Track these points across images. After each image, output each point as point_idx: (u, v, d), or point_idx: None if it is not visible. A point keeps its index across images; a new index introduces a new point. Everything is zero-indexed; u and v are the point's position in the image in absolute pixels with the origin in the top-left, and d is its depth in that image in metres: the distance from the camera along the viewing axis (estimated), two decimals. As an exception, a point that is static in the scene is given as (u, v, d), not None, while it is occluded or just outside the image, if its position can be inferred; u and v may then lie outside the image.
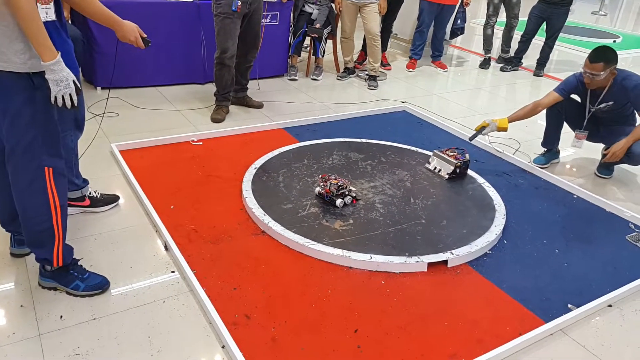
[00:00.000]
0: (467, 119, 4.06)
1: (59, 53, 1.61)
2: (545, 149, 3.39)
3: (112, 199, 2.52)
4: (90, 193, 2.46)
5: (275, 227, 2.34)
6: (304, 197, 2.64)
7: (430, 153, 3.12)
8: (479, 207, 2.68)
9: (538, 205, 2.81)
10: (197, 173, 2.89)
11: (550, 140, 3.37)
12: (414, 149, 3.33)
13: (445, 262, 2.22)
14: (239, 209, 2.57)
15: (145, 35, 2.10)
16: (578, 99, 3.21)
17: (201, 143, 3.26)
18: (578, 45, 6.87)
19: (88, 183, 2.44)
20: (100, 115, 3.40)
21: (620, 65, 3.00)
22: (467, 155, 2.98)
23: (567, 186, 3.01)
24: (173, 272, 2.09)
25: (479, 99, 4.68)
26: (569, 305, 2.02)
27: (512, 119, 3.18)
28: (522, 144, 3.56)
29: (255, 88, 4.21)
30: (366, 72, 4.77)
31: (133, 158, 2.96)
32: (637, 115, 3.03)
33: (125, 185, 2.72)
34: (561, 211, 2.78)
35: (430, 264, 2.20)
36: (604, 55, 2.89)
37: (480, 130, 3.17)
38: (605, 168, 3.22)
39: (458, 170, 2.94)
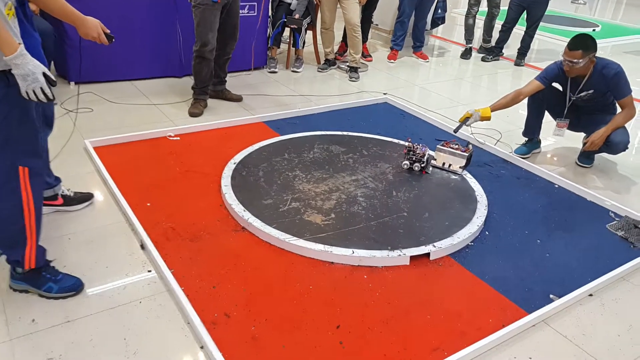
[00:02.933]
0: (449, 110, 4.04)
1: (21, 45, 1.53)
2: (527, 139, 3.40)
3: (86, 197, 2.44)
4: (63, 191, 2.38)
5: (256, 223, 2.29)
6: (284, 191, 2.60)
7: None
8: (461, 199, 2.67)
9: (519, 196, 2.82)
10: (174, 169, 2.82)
11: (531, 129, 3.37)
12: (395, 140, 3.30)
13: (427, 255, 2.20)
14: (218, 205, 2.51)
15: (108, 31, 2.03)
16: (560, 87, 3.21)
17: (178, 138, 3.19)
18: (558, 35, 6.90)
19: (60, 181, 2.36)
20: (73, 111, 3.30)
21: (600, 53, 3.01)
22: (470, 146, 2.97)
23: (548, 176, 3.02)
24: (150, 271, 2.03)
25: (460, 90, 4.68)
26: (551, 296, 2.02)
27: (494, 108, 3.17)
28: (503, 134, 3.56)
29: (247, 74, 4.15)
30: (347, 64, 4.73)
31: (107, 154, 2.87)
32: (617, 104, 3.05)
33: (99, 182, 2.64)
34: (543, 201, 2.78)
35: (412, 257, 2.18)
36: (583, 43, 2.89)
37: (464, 121, 3.15)
38: (586, 157, 3.24)
39: (468, 162, 2.93)
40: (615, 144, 3.02)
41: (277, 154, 3.01)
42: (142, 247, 2.17)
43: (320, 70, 4.76)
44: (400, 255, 2.16)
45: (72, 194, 2.41)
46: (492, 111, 3.15)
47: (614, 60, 2.99)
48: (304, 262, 2.13)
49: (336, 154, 3.07)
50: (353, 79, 4.57)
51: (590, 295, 2.07)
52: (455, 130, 3.23)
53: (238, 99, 3.89)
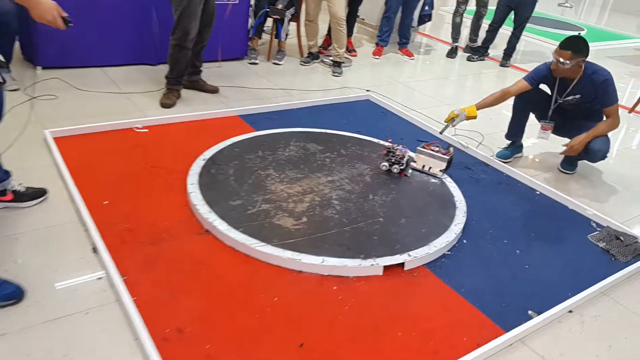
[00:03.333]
0: (432, 109, 3.93)
1: None
2: (509, 142, 3.30)
3: (39, 193, 2.26)
4: (13, 187, 2.19)
5: (221, 226, 2.15)
6: (255, 192, 2.45)
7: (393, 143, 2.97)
8: (439, 204, 2.56)
9: (500, 202, 2.72)
10: (139, 164, 2.65)
11: (515, 132, 3.27)
12: (375, 140, 3.17)
13: (402, 264, 2.08)
14: (182, 205, 2.35)
15: (65, 15, 1.85)
16: (547, 90, 3.12)
17: (147, 130, 3.01)
18: (544, 36, 6.84)
19: (10, 175, 2.18)
20: (36, 98, 3.10)
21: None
22: (451, 149, 2.85)
23: (529, 182, 2.92)
24: (100, 278, 1.88)
25: (444, 89, 4.57)
26: (529, 312, 1.92)
27: (480, 107, 3.07)
28: (485, 136, 3.45)
29: (216, 66, 3.98)
30: (331, 58, 4.58)
31: (68, 147, 2.68)
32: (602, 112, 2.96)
33: (56, 177, 2.46)
34: (523, 208, 2.69)
35: (386, 267, 2.06)
36: (574, 45, 2.80)
37: (450, 121, 3.04)
38: (569, 164, 3.15)
39: (449, 165, 2.83)
40: (594, 152, 2.94)
41: (250, 150, 2.86)
42: (94, 250, 2.00)
43: (302, 63, 4.60)
44: (373, 264, 2.04)
45: (23, 189, 2.22)
46: (477, 109, 3.04)
47: (604, 67, 2.90)
48: (270, 270, 1.99)
49: (313, 152, 2.93)
50: (336, 74, 4.43)
51: (570, 311, 1.98)
52: (441, 132, 3.12)
53: (214, 90, 3.72)
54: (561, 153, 3.03)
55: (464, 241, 2.33)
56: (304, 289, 1.92)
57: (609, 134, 2.96)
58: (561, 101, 3.02)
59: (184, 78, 3.50)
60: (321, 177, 2.67)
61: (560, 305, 1.95)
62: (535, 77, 3.03)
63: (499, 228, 2.47)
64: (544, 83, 3.07)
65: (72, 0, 3.54)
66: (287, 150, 2.91)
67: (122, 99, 3.41)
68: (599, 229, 2.54)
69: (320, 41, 4.85)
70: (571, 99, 2.97)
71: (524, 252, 2.30)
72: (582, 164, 3.20)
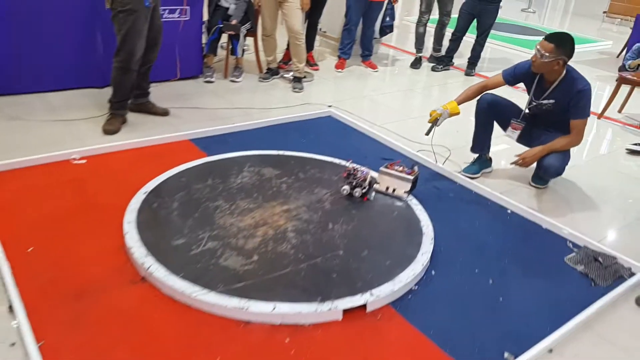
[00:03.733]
0: (397, 123, 3.76)
1: None
2: (476, 156, 3.13)
3: (-53, 244, 1.98)
4: None
5: (158, 273, 1.89)
6: (201, 227, 2.21)
7: (353, 165, 2.77)
8: (404, 230, 2.36)
9: (469, 224, 2.53)
10: (72, 201, 2.38)
11: (479, 144, 3.10)
12: (337, 161, 2.97)
13: (364, 306, 1.87)
14: (117, 248, 2.09)
15: None
16: (518, 95, 2.95)
17: (85, 161, 2.74)
18: (509, 43, 6.80)
19: None
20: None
21: None
22: (415, 168, 2.67)
23: (499, 199, 2.75)
24: (13, 344, 1.61)
25: (410, 101, 4.41)
26: (506, 355, 1.73)
27: (460, 101, 2.91)
28: (452, 151, 3.28)
29: (166, 86, 3.73)
30: (291, 73, 4.38)
31: (-9, 185, 2.41)
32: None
33: (-27, 221, 2.18)
34: (495, 230, 2.51)
35: (346, 311, 1.84)
36: (560, 40, 2.64)
37: (435, 122, 2.87)
38: (540, 177, 2.99)
39: (414, 185, 2.64)
40: (545, 167, 2.78)
41: (199, 179, 2.61)
42: (10, 309, 1.73)
43: (261, 80, 4.39)
44: (331, 309, 1.82)
45: None
46: (458, 104, 2.89)
47: (586, 79, 2.75)
48: (213, 323, 1.75)
49: (268, 178, 2.70)
50: (297, 90, 4.22)
51: (550, 351, 1.79)
52: (427, 134, 2.94)
53: (164, 112, 3.46)
54: (511, 164, 2.86)
55: (432, 272, 2.13)
56: (251, 343, 1.68)
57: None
58: (535, 103, 2.86)
59: (129, 102, 3.25)
60: (276, 206, 2.45)
61: (538, 344, 1.76)
62: (514, 74, 2.88)
63: (469, 255, 2.28)
64: (522, 81, 2.91)
65: (6, 23, 3.30)
66: (240, 177, 2.67)
67: (61, 127, 3.13)
68: (575, 250, 2.38)
69: (279, 56, 4.65)
70: (545, 103, 2.81)
71: (497, 282, 2.11)
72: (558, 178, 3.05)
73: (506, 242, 2.42)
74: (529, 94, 2.92)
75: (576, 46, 2.73)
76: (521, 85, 2.99)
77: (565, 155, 2.81)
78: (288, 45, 4.78)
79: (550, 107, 2.80)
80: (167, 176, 2.60)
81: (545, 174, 2.86)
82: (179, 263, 1.97)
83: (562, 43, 2.64)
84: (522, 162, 2.78)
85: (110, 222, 2.24)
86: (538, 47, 2.67)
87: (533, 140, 2.90)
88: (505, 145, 3.40)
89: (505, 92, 3.14)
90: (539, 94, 2.84)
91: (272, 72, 4.45)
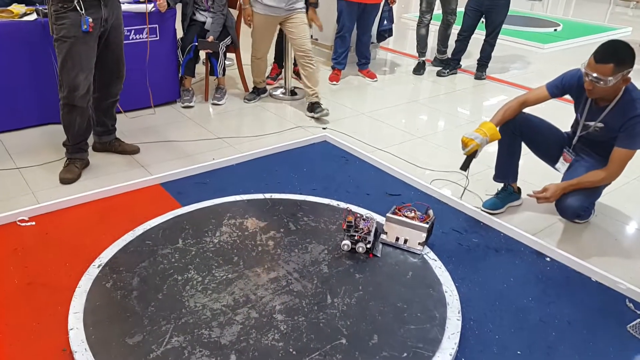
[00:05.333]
0: (402, 146, 3.28)
1: None
2: (501, 186, 2.64)
3: None
4: None
5: (102, 397, 1.44)
6: (166, 315, 1.74)
7: (356, 208, 2.29)
8: (422, 301, 1.87)
9: (502, 282, 2.04)
10: (10, 281, 1.92)
11: (504, 171, 2.59)
12: (334, 203, 2.49)
13: None
14: (61, 348, 1.64)
15: None
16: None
17: (34, 223, 2.29)
18: (519, 37, 6.27)
19: None
20: None
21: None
22: (430, 212, 2.19)
23: (534, 243, 2.25)
24: None
25: (415, 116, 3.91)
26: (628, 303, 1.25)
27: (498, 123, 2.37)
28: (470, 179, 2.79)
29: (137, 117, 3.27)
30: (308, 102, 3.73)
31: None
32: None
33: None
34: (533, 289, 2.01)
35: None
36: (616, 55, 2.06)
37: (474, 154, 2.32)
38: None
39: (429, 234, 2.17)
40: (564, 208, 2.27)
41: (167, 241, 2.15)
42: None
43: (247, 100, 3.92)
44: None
45: None
46: (496, 126, 2.36)
47: None
48: None
49: (252, 233, 2.23)
50: (324, 116, 3.56)
51: None
52: (464, 169, 2.39)
53: (133, 151, 3.00)
54: (528, 195, 2.34)
55: (463, 361, 1.66)
56: None
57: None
58: (582, 125, 2.33)
59: (86, 144, 2.78)
60: (261, 273, 1.98)
61: None
62: (560, 86, 2.33)
63: (506, 329, 1.79)
64: (569, 94, 2.37)
65: None
66: (218, 234, 2.21)
67: (10, 178, 2.68)
68: (639, 311, 1.89)
69: (267, 70, 4.17)
70: (592, 127, 2.29)
71: (546, 369, 1.64)
72: (600, 207, 2.55)
73: (550, 306, 1.92)
74: (576, 112, 2.39)
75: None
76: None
77: (591, 194, 2.29)
78: (275, 57, 4.32)
79: (598, 131, 2.28)
80: (129, 240, 2.14)
81: (563, 213, 2.33)
82: (132, 376, 1.51)
83: (621, 56, 2.06)
84: (543, 197, 2.24)
85: (54, 310, 1.78)
86: (591, 73, 2.08)
87: (570, 172, 2.39)
88: (537, 169, 2.75)
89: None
90: (594, 114, 2.27)
91: (259, 92, 3.97)
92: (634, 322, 1.83)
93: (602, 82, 2.06)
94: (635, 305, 1.92)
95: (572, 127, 2.46)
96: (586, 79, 2.11)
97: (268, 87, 4.12)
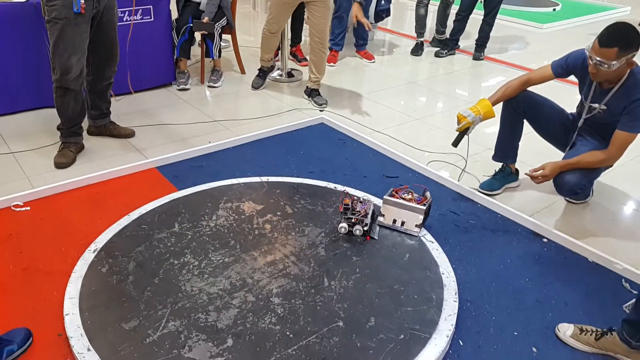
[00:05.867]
0: (400, 127, 3.25)
1: None
2: (498, 167, 2.63)
3: None
4: None
5: (99, 380, 1.44)
6: (162, 299, 1.74)
7: (353, 190, 2.28)
8: (419, 283, 1.87)
9: (498, 262, 2.04)
10: (6, 266, 1.92)
11: (504, 151, 2.58)
12: (332, 185, 2.48)
13: (372, 411, 1.41)
14: (56, 335, 1.64)
15: None
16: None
17: (28, 208, 2.28)
18: (517, 17, 6.18)
19: None
20: None
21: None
22: (427, 194, 2.17)
23: (532, 224, 2.25)
24: None
25: (413, 97, 3.87)
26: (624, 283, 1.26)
27: (495, 101, 2.36)
28: (468, 160, 2.76)
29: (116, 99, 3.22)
30: (307, 86, 3.68)
31: None
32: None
33: None
34: (530, 269, 2.01)
35: (349, 421, 1.38)
36: (621, 39, 2.00)
37: (465, 131, 2.34)
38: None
39: (427, 216, 2.16)
40: (561, 184, 2.22)
41: (163, 225, 2.14)
42: None
43: (254, 88, 3.74)
44: (328, 422, 1.36)
45: None
46: (493, 105, 2.35)
47: None
48: None
49: (248, 217, 2.22)
50: (322, 106, 3.50)
51: None
52: (455, 144, 2.42)
53: (128, 134, 2.97)
54: (526, 174, 2.30)
55: (460, 343, 1.66)
56: None
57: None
58: (586, 107, 2.29)
59: (80, 128, 2.75)
60: (258, 257, 1.97)
61: None
62: (564, 66, 2.28)
63: (503, 310, 1.80)
64: (573, 74, 2.33)
65: None
66: (214, 218, 2.19)
67: (5, 162, 2.65)
68: (635, 292, 1.89)
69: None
70: (595, 109, 2.26)
71: (543, 350, 1.65)
72: (597, 186, 2.54)
73: (546, 286, 1.92)
74: (581, 93, 2.34)
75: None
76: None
77: (589, 172, 2.24)
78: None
79: (601, 114, 2.23)
80: (124, 224, 2.13)
81: (560, 190, 2.28)
82: (128, 358, 1.51)
83: (626, 40, 2.00)
84: (541, 179, 2.22)
85: (50, 295, 1.78)
86: (595, 56, 2.04)
87: (571, 152, 2.36)
88: (536, 149, 2.74)
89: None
90: (599, 95, 2.23)
91: (264, 74, 3.85)
92: (629, 302, 1.83)
93: (606, 66, 2.02)
94: (631, 285, 1.93)
95: (577, 108, 2.43)
96: (590, 62, 2.07)
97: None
